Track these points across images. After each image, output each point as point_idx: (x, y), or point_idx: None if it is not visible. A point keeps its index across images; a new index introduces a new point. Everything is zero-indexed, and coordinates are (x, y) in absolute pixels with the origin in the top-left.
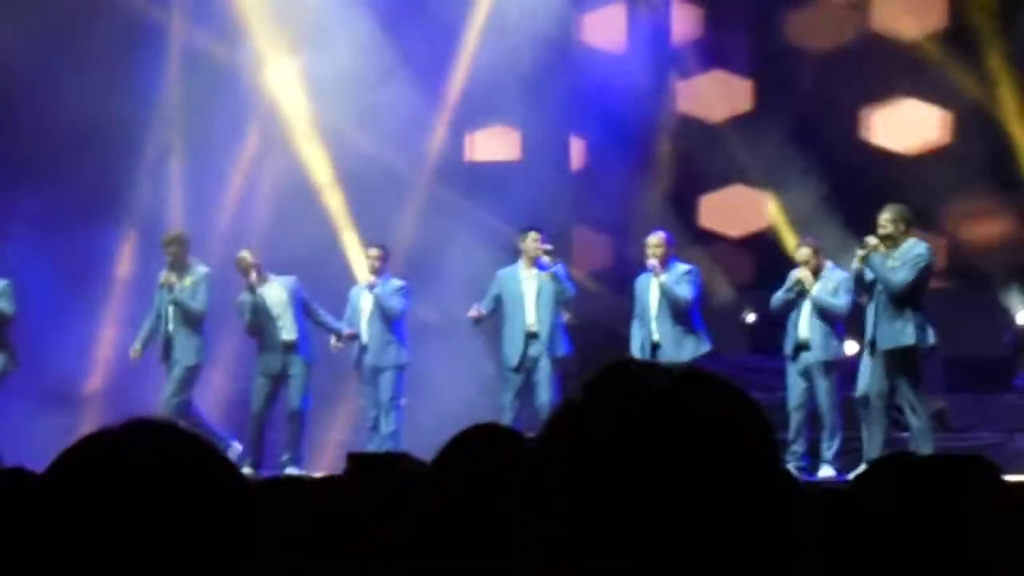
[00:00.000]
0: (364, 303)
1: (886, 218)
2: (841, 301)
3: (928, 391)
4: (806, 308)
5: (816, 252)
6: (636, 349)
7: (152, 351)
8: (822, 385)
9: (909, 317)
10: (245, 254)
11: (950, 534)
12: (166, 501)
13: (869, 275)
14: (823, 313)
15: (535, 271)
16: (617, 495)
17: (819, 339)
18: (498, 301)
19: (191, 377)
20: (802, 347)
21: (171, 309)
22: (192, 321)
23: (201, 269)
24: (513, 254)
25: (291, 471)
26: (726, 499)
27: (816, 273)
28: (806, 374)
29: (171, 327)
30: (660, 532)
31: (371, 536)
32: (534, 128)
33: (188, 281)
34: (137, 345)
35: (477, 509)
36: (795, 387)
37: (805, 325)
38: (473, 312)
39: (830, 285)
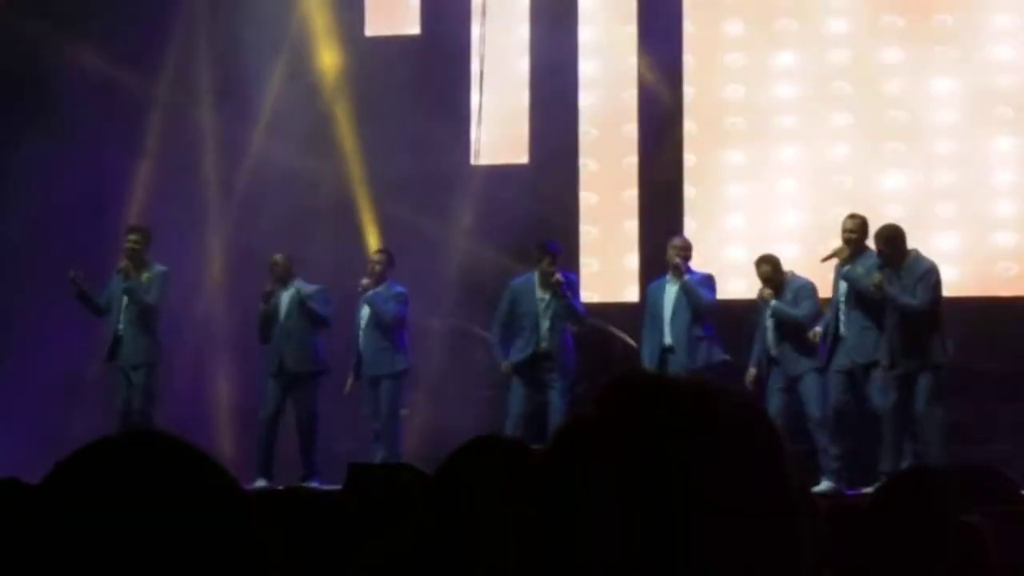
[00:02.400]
0: (363, 310)
1: (881, 242)
2: (801, 311)
3: (945, 401)
4: (771, 324)
5: (776, 268)
6: (647, 354)
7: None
8: (802, 397)
9: (930, 336)
10: (280, 258)
11: (966, 545)
12: (163, 514)
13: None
14: (786, 326)
15: (548, 293)
16: (626, 508)
17: (787, 354)
18: (511, 314)
19: (155, 380)
20: (773, 362)
21: (123, 302)
22: (144, 317)
23: (160, 267)
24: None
25: (312, 485)
26: (736, 511)
27: (779, 288)
28: (784, 386)
29: (121, 324)
30: (670, 545)
31: (371, 548)
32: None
33: (144, 276)
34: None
35: (479, 521)
36: (773, 400)
37: (772, 341)
38: (505, 368)
39: (789, 296)
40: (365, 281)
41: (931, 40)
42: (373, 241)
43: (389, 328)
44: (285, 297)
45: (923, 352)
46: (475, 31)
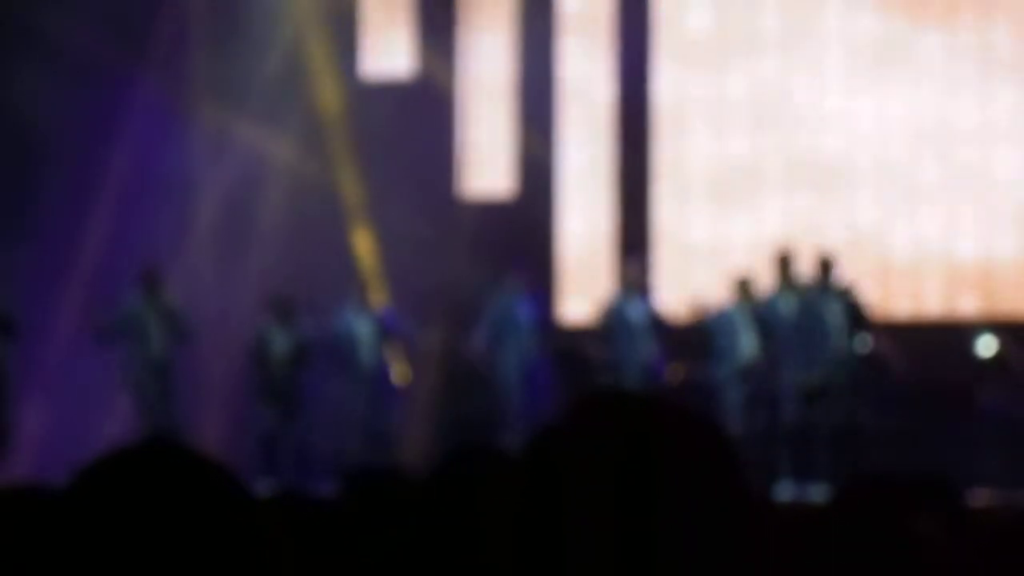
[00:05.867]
0: (362, 329)
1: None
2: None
3: (895, 415)
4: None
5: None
6: (631, 369)
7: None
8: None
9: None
10: (278, 294)
11: (916, 552)
12: (183, 522)
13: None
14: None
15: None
16: (596, 515)
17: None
18: (494, 328)
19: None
20: (743, 374)
21: (157, 328)
22: (184, 340)
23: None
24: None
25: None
26: (695, 515)
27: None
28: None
29: (163, 350)
30: (632, 552)
31: (364, 553)
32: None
33: (170, 298)
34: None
35: (463, 528)
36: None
37: (755, 345)
38: (478, 345)
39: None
40: (370, 304)
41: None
42: (365, 263)
43: (390, 341)
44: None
45: (849, 363)
46: (463, 72)
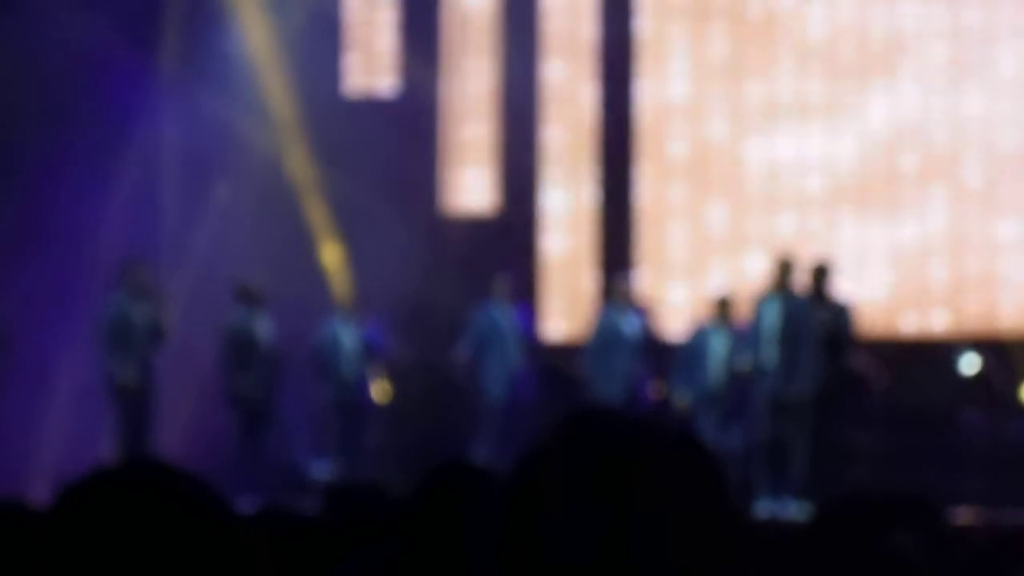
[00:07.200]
0: (347, 339)
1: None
2: None
3: (873, 431)
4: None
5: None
6: (614, 385)
7: None
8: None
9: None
10: (248, 282)
11: (897, 570)
12: (164, 544)
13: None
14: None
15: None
16: (576, 539)
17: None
18: (479, 339)
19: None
20: (710, 398)
21: (144, 328)
22: (160, 342)
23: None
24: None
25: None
26: (680, 532)
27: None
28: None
29: (146, 350)
30: (617, 572)
31: (347, 569)
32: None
33: (152, 300)
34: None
35: (447, 546)
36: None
37: (722, 371)
38: (462, 356)
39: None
40: (353, 315)
41: None
42: (334, 275)
43: (372, 358)
44: (260, 320)
45: (825, 379)
46: (447, 89)
